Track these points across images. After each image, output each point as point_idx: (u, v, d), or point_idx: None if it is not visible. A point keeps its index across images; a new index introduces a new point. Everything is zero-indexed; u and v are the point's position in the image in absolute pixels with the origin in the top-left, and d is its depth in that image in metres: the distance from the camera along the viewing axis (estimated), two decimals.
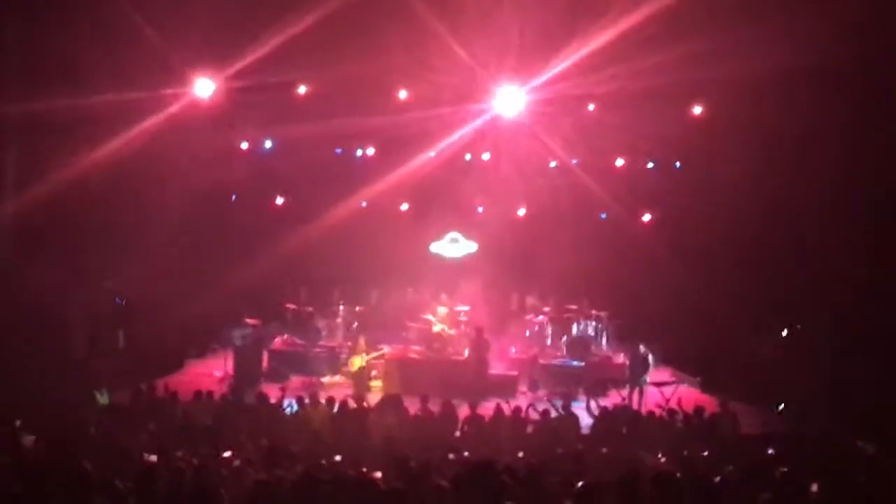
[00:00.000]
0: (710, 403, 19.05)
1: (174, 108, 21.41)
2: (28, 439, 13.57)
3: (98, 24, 19.38)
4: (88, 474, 9.23)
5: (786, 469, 11.88)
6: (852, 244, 20.00)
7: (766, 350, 22.87)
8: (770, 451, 15.03)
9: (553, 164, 25.64)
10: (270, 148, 25.18)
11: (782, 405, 21.01)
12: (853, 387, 19.51)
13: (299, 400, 18.32)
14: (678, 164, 25.32)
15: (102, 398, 19.21)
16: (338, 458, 13.30)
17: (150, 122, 21.10)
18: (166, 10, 19.40)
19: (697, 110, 22.08)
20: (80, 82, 19.68)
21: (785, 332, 22.93)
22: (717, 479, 11.46)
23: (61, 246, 20.89)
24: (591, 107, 22.79)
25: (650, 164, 25.53)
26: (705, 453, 14.82)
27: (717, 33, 18.73)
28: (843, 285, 20.56)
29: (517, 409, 18.16)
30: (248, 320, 23.17)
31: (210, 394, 18.42)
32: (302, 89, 22.30)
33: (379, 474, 11.32)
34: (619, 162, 25.10)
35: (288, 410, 18.32)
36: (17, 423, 14.43)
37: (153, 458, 12.12)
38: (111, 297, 23.25)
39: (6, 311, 20.11)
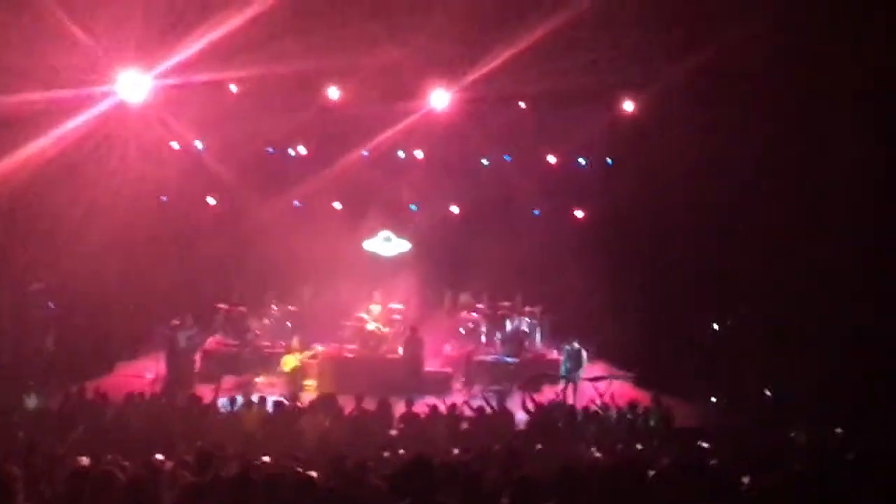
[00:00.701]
0: (644, 398, 19.18)
1: (103, 107, 21.11)
2: None
3: (23, 22, 19.05)
4: (15, 479, 9.05)
5: (716, 461, 12.01)
6: (785, 236, 20.26)
7: (700, 344, 23.08)
8: (703, 444, 15.17)
9: (485, 161, 25.69)
10: (202, 148, 24.86)
11: (714, 398, 21.23)
12: (787, 378, 19.80)
13: (232, 400, 18.17)
14: (609, 160, 25.47)
15: (31, 402, 18.93)
16: (266, 458, 13.18)
17: (79, 121, 20.79)
18: (94, 7, 19.14)
19: (629, 107, 22.17)
20: (5, 82, 19.35)
21: (716, 327, 23.15)
22: (652, 472, 11.55)
23: None
24: (522, 104, 22.85)
25: (581, 161, 25.63)
26: (639, 447, 14.92)
27: (646, 33, 18.99)
28: (777, 277, 20.82)
29: (452, 406, 18.17)
30: (176, 321, 22.75)
31: (142, 395, 18.19)
32: (233, 88, 22.11)
33: (314, 474, 11.24)
34: (552, 159, 25.19)
35: (223, 410, 18.16)
36: None
37: (84, 461, 11.90)
38: (39, 300, 22.82)
39: None
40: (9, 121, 19.51)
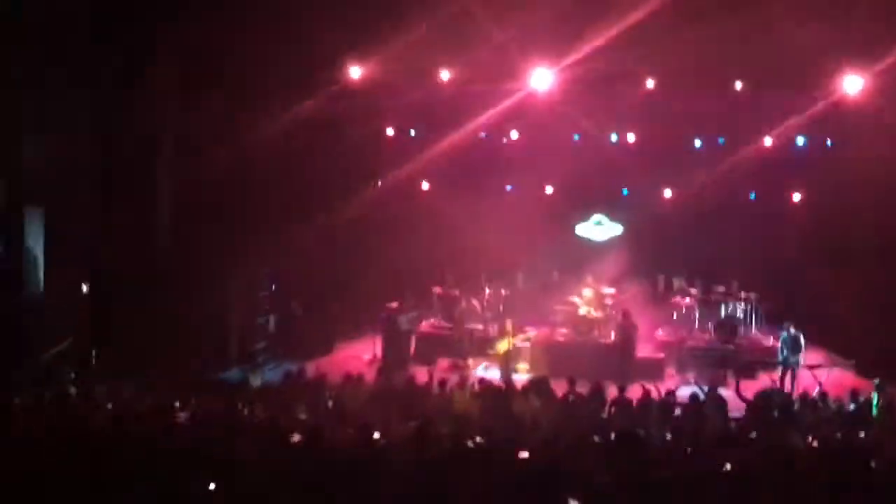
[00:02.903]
0: (865, 387, 18.52)
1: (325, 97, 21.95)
2: (182, 416, 14.09)
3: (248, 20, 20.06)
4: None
5: None
6: None
7: None
8: None
9: (697, 143, 25.26)
10: (415, 135, 25.46)
11: None
12: None
13: (442, 382, 18.36)
14: (829, 142, 24.63)
15: (255, 380, 19.75)
16: (479, 439, 13.36)
17: (302, 111, 21.63)
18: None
19: (852, 87, 21.32)
20: (234, 74, 20.45)
21: None
22: (873, 462, 11.20)
23: (218, 233, 21.46)
24: (739, 85, 22.46)
25: (800, 142, 24.83)
26: (861, 435, 14.46)
27: None
28: None
29: (665, 393, 17.98)
30: (395, 304, 23.30)
31: (360, 377, 18.68)
32: (445, 76, 22.45)
33: (526, 454, 11.36)
34: (768, 141, 24.48)
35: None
36: (176, 403, 14.96)
37: (297, 437, 12.32)
38: (267, 283, 23.78)
39: (168, 299, 20.82)
40: (242, 108, 20.59)
